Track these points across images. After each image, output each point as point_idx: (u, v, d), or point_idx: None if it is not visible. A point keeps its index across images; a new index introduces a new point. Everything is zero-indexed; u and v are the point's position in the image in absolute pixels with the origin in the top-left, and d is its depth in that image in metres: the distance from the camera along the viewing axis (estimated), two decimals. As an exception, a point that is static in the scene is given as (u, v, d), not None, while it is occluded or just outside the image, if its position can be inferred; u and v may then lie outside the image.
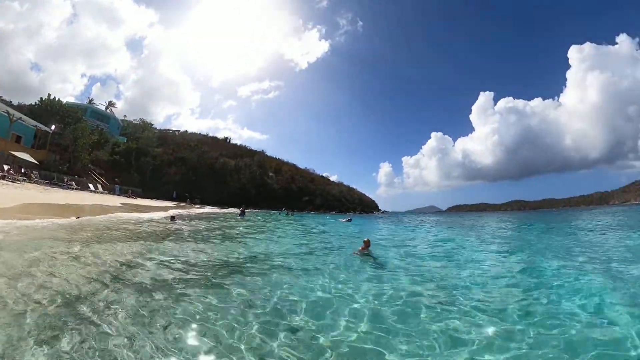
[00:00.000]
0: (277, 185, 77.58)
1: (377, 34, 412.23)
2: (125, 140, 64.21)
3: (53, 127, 42.32)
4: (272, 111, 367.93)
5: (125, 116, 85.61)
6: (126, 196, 39.37)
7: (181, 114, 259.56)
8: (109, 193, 38.18)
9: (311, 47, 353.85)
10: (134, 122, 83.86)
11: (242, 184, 69.06)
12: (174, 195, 54.91)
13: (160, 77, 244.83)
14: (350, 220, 36.55)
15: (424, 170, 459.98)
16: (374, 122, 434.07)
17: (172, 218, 18.38)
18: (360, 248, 9.90)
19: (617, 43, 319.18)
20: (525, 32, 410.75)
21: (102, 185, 40.90)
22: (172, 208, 31.81)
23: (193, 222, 19.18)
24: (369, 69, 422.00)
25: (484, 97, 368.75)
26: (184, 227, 15.83)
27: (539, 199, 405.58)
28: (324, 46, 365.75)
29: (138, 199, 40.23)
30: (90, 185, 36.90)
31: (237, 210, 40.39)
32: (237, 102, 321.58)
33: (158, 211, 25.26)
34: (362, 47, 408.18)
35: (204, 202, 56.58)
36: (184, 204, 45.90)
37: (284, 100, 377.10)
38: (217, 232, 14.83)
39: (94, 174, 45.51)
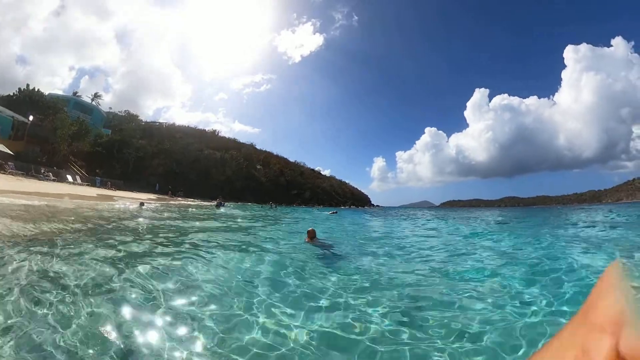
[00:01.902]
0: (264, 178, 78.59)
1: (372, 29, 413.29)
2: (110, 133, 64.65)
3: (31, 117, 42.76)
4: (264, 105, 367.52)
5: (110, 108, 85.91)
6: (106, 188, 40.00)
7: (172, 107, 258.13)
8: (88, 185, 38.79)
9: (305, 40, 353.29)
10: (119, 114, 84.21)
11: (228, 177, 69.90)
12: (157, 188, 55.46)
13: (151, 69, 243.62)
14: (335, 212, 37.49)
15: (418, 165, 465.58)
16: (368, 116, 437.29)
17: (142, 204, 19.61)
18: (305, 239, 9.42)
19: (612, 45, 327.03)
20: (522, 30, 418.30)
21: (81, 177, 41.52)
22: (153, 201, 32.48)
23: (161, 210, 20.04)
24: (363, 63, 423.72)
25: (479, 94, 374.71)
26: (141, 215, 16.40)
27: (532, 196, 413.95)
28: (318, 40, 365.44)
29: (118, 191, 40.85)
30: (69, 177, 37.50)
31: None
32: (229, 95, 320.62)
33: (130, 200, 26.04)
34: (357, 41, 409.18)
35: (188, 195, 57.11)
36: (166, 197, 46.51)
37: (277, 94, 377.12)
38: (174, 218, 15.61)
39: (74, 166, 46.10)
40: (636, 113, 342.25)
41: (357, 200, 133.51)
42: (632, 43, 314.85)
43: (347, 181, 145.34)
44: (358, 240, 11.78)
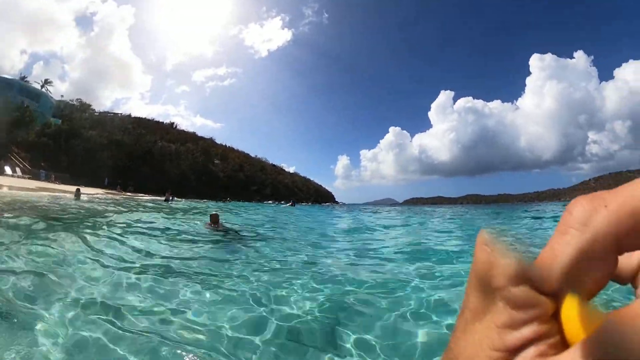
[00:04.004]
0: (222, 173, 78.98)
1: (342, 26, 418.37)
2: (60, 122, 63.07)
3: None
4: (227, 99, 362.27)
5: (62, 96, 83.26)
6: (50, 182, 39.76)
7: (131, 98, 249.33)
8: (29, 177, 38.48)
9: (273, 35, 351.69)
10: (70, 102, 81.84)
11: (182, 171, 69.98)
12: (106, 182, 54.95)
13: (111, 57, 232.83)
14: (293, 204, 38.96)
15: (382, 163, 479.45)
16: (333, 115, 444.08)
17: (77, 195, 20.23)
18: (207, 224, 9.60)
19: (574, 57, 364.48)
20: (490, 37, 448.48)
21: (23, 169, 41.08)
22: (100, 195, 32.63)
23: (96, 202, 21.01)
24: (331, 61, 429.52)
25: (444, 96, 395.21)
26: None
27: (494, 194, 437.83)
28: (286, 35, 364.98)
29: (62, 184, 40.68)
30: (8, 169, 37.20)
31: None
32: (191, 88, 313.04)
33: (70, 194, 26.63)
34: (326, 38, 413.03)
35: (139, 190, 56.72)
36: (114, 192, 46.45)
37: (241, 88, 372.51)
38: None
39: (14, 157, 45.31)
40: (592, 120, 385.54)
41: (321, 197, 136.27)
42: (592, 57, 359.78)
43: (311, 178, 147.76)
44: (286, 228, 12.82)
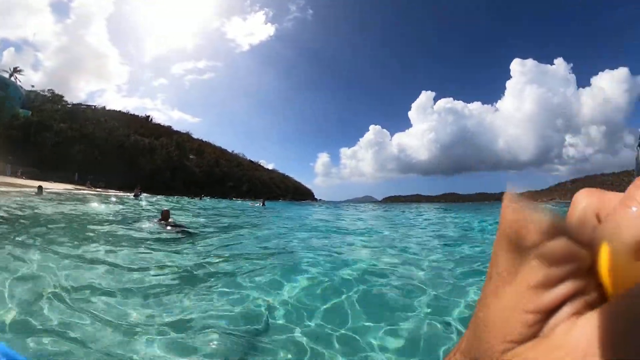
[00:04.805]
0: (197, 168, 79.02)
1: (326, 23, 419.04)
2: (30, 114, 62.10)
3: None
4: (206, 93, 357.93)
5: (33, 87, 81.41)
6: (15, 177, 39.46)
7: (107, 90, 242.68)
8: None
9: (256, 29, 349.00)
10: (42, 93, 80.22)
11: (157, 166, 69.76)
12: (76, 178, 54.14)
13: (87, 47, 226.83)
14: (263, 204, 39.75)
15: (361, 161, 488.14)
16: (314, 112, 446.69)
17: (40, 187, 20.83)
18: (156, 221, 9.81)
19: (554, 64, 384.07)
20: (473, 40, 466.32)
21: (-12, 164, 40.63)
22: (68, 190, 32.52)
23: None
24: (313, 58, 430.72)
25: (425, 96, 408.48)
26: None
27: (472, 193, 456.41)
28: (269, 30, 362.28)
29: (28, 180, 40.50)
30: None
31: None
32: (169, 81, 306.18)
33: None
34: (309, 35, 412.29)
35: (110, 186, 55.83)
36: (84, 187, 46.19)
37: (221, 82, 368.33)
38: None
39: (-20, 151, 44.79)
40: (569, 124, 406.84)
41: (300, 194, 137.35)
42: (571, 65, 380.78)
43: (291, 175, 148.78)
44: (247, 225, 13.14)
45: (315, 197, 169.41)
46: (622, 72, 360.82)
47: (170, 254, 6.13)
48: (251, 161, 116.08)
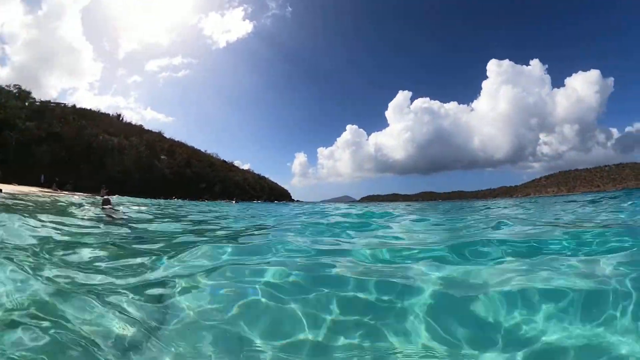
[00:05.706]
0: (168, 169, 78.06)
1: (304, 22, 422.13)
2: (-7, 112, 59.88)
3: None
4: (181, 91, 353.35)
5: (-4, 82, 78.93)
6: (-23, 179, 39.05)
7: (79, 88, 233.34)
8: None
9: (233, 26, 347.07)
10: (7, 89, 77.88)
11: (126, 167, 68.61)
12: (42, 180, 52.84)
13: (60, 41, 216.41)
14: (236, 202, 40.45)
15: (338, 161, 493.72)
16: (290, 111, 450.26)
17: None
18: (101, 207, 10.55)
19: (530, 65, 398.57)
20: (450, 40, 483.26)
21: (-52, 166, 39.99)
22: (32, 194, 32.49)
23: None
24: (290, 56, 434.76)
25: (402, 96, 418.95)
26: None
27: (448, 191, 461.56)
28: (247, 27, 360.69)
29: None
30: None
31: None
32: (143, 78, 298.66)
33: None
34: (288, 33, 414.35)
35: (78, 189, 54.60)
36: (50, 190, 45.68)
37: (196, 80, 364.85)
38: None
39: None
40: (543, 123, 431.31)
41: (277, 195, 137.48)
42: (547, 66, 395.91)
43: (266, 176, 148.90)
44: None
45: (293, 197, 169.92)
46: (594, 74, 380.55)
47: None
48: (224, 161, 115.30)
